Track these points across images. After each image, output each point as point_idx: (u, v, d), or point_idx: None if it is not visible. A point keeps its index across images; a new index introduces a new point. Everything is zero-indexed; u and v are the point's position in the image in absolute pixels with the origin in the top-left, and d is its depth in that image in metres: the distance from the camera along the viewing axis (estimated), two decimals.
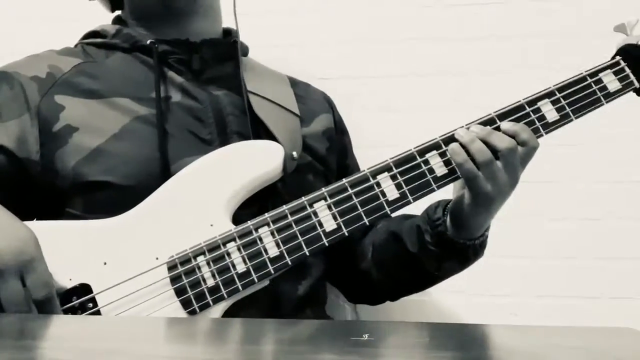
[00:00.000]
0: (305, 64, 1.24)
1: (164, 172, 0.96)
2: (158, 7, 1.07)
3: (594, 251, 1.31)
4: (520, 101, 0.98)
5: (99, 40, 1.09)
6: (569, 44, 1.36)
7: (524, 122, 0.96)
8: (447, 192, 0.98)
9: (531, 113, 0.97)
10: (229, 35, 1.15)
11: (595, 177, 1.35)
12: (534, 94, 0.98)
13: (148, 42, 1.05)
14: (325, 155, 1.11)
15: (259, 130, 1.04)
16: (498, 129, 0.95)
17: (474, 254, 1.01)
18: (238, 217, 0.95)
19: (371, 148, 1.23)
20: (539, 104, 0.98)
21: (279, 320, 0.83)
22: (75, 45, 1.11)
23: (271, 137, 1.02)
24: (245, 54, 1.14)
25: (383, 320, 1.29)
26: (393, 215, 0.97)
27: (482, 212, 0.95)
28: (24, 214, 0.96)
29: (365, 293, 1.17)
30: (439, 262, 1.02)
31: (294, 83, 1.18)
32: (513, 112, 0.97)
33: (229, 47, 1.10)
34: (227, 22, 1.14)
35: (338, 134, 1.18)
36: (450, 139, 0.96)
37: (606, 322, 1.29)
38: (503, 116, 0.97)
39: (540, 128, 0.97)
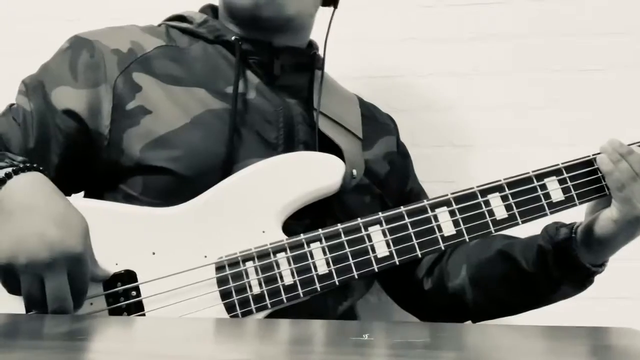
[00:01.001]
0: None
1: (226, 169, 0.96)
2: (246, 14, 1.04)
3: None
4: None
5: (184, 25, 1.07)
6: (569, 44, 1.36)
7: None
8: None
9: None
10: (312, 47, 1.14)
11: None
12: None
13: (232, 38, 1.04)
14: (384, 179, 1.11)
15: (325, 145, 1.03)
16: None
17: (590, 281, 1.00)
18: (289, 227, 0.95)
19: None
20: None
21: (279, 320, 0.83)
22: (159, 25, 1.10)
23: (336, 152, 1.02)
24: (321, 68, 1.12)
25: (383, 320, 1.29)
26: None
27: (625, 233, 0.94)
28: (77, 184, 0.95)
29: (449, 313, 1.12)
30: (556, 284, 1.01)
31: (362, 104, 1.17)
32: None
33: (308, 58, 1.10)
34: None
35: (400, 158, 1.17)
36: (515, 183, 0.95)
37: (606, 322, 1.29)
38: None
39: None
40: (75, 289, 0.82)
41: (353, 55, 1.42)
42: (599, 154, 0.97)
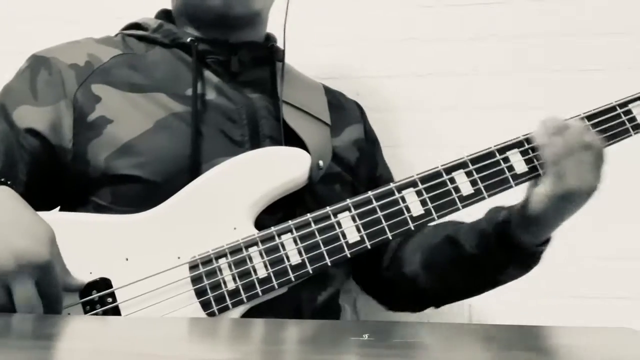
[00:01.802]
0: (305, 64, 1.24)
1: (194, 171, 0.96)
2: (217, 13, 1.05)
3: (594, 251, 1.31)
4: (612, 103, 0.99)
5: (139, 32, 1.08)
6: (569, 44, 1.36)
7: (614, 122, 0.98)
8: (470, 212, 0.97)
9: (622, 114, 0.99)
10: (269, 40, 1.14)
11: None
12: (627, 97, 1.00)
13: (188, 40, 1.05)
14: (354, 165, 1.11)
15: (291, 136, 1.04)
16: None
17: (535, 260, 1.01)
18: (262, 223, 0.95)
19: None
20: (630, 105, 0.99)
21: (279, 320, 0.83)
22: (116, 35, 1.11)
23: (301, 144, 1.02)
24: (282, 59, 1.13)
25: (383, 320, 1.29)
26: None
27: (558, 209, 0.94)
28: (49, 200, 0.96)
29: (409, 300, 1.15)
30: (501, 266, 1.01)
31: (328, 91, 1.18)
32: (603, 114, 0.98)
33: (267, 52, 1.10)
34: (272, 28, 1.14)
35: (369, 144, 1.18)
36: (477, 159, 0.96)
37: (606, 322, 1.29)
38: (591, 117, 0.98)
39: (631, 129, 0.99)
40: (46, 297, 0.83)
41: (353, 55, 1.42)
42: None
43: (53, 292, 0.83)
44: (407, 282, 1.10)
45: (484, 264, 1.02)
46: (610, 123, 0.98)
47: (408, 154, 1.38)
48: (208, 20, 1.06)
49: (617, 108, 0.98)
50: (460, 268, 1.05)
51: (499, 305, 1.31)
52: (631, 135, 0.99)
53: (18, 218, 0.85)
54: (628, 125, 0.99)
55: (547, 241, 1.01)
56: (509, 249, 0.99)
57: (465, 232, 1.03)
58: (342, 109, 1.17)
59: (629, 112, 0.99)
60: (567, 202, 0.94)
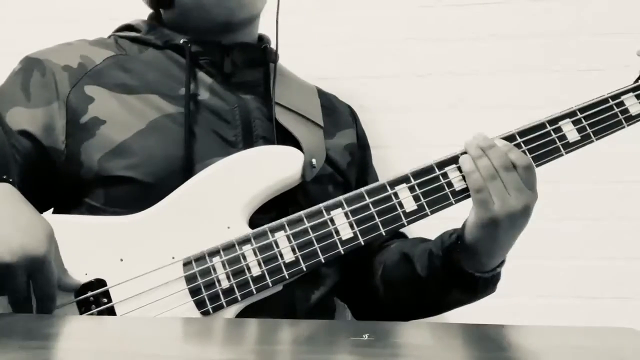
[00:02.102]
0: (305, 64, 1.24)
1: (186, 171, 0.96)
2: (216, 22, 1.05)
3: (594, 251, 1.31)
4: (541, 120, 0.96)
5: (132, 34, 1.08)
6: (569, 44, 1.36)
7: (545, 139, 0.95)
8: (467, 207, 0.97)
9: (552, 132, 0.96)
10: (262, 41, 1.14)
11: (596, 177, 1.35)
12: (557, 114, 0.97)
13: (181, 41, 1.05)
14: (346, 169, 1.11)
15: (284, 137, 1.04)
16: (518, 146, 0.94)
17: (483, 287, 0.99)
18: (255, 222, 0.95)
19: (370, 148, 1.24)
20: (560, 123, 0.97)
21: (279, 321, 0.83)
22: (109, 37, 1.11)
23: (295, 143, 1.02)
24: (275, 61, 1.13)
25: (383, 320, 1.29)
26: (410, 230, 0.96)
27: (488, 237, 0.93)
28: (42, 202, 0.96)
29: (370, 310, 1.15)
30: (446, 290, 1.00)
31: (322, 94, 1.18)
32: (534, 130, 0.96)
33: (260, 53, 1.10)
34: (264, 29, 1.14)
35: (360, 150, 1.18)
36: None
37: (606, 322, 1.29)
38: (523, 134, 0.96)
39: (561, 147, 0.96)
40: (40, 293, 0.83)
41: (353, 55, 1.42)
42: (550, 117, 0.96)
43: (46, 289, 0.84)
44: (368, 292, 1.10)
45: (431, 286, 1.01)
46: (603, 115, 0.97)
47: (408, 154, 1.38)
48: (207, 26, 1.06)
49: (547, 125, 0.96)
50: (411, 287, 1.04)
51: (498, 305, 1.31)
52: (562, 154, 0.96)
53: (17, 214, 0.85)
54: (621, 117, 0.98)
55: (495, 268, 0.98)
56: (452, 273, 0.98)
57: (420, 252, 1.03)
58: (335, 112, 1.17)
59: (621, 103, 0.98)
60: (496, 228, 0.92)
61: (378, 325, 0.84)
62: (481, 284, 0.98)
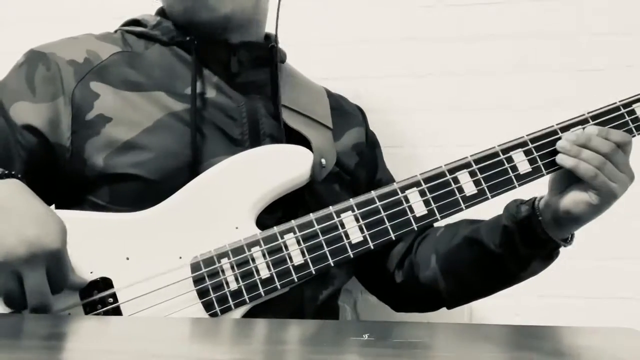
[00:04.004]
0: (305, 64, 1.24)
1: (193, 169, 0.96)
2: (182, 19, 1.05)
3: (594, 251, 1.31)
4: (616, 103, 0.98)
5: (138, 29, 1.07)
6: (569, 44, 1.36)
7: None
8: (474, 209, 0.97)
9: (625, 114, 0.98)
10: (269, 40, 1.13)
11: None
12: (628, 98, 0.99)
13: (187, 38, 1.04)
14: (353, 170, 1.11)
15: (292, 137, 1.03)
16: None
17: (557, 253, 1.01)
18: (262, 221, 0.95)
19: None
20: (634, 106, 0.98)
21: (279, 320, 0.83)
22: (115, 32, 1.10)
23: (304, 142, 1.02)
24: (283, 60, 1.12)
25: (383, 320, 1.29)
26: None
27: (593, 210, 0.95)
28: (44, 198, 0.96)
29: (422, 302, 1.14)
30: (525, 263, 1.01)
31: (330, 95, 1.17)
32: (607, 114, 0.98)
33: (267, 52, 1.09)
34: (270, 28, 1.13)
35: (369, 148, 1.17)
36: (481, 159, 0.95)
37: (606, 322, 1.29)
38: (595, 117, 0.97)
39: (634, 129, 0.98)
40: (54, 285, 0.83)
41: (353, 55, 1.42)
42: (562, 123, 0.97)
43: (62, 282, 0.84)
44: (423, 286, 1.09)
45: (509, 261, 1.01)
46: (615, 123, 0.97)
47: (408, 154, 1.38)
48: (183, 24, 1.05)
49: (621, 108, 0.98)
50: (483, 268, 1.04)
51: (499, 305, 1.32)
52: (635, 135, 0.98)
53: (30, 208, 0.85)
54: (631, 125, 0.98)
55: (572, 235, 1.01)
56: (533, 244, 0.98)
57: (487, 231, 1.02)
58: (344, 113, 1.17)
59: (632, 112, 0.98)
60: (610, 203, 0.95)
61: (378, 325, 0.84)
62: (558, 249, 1.00)
